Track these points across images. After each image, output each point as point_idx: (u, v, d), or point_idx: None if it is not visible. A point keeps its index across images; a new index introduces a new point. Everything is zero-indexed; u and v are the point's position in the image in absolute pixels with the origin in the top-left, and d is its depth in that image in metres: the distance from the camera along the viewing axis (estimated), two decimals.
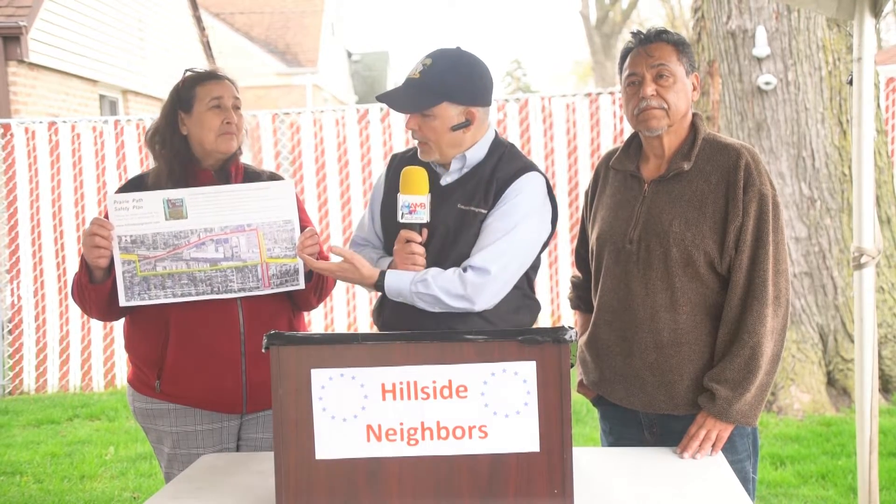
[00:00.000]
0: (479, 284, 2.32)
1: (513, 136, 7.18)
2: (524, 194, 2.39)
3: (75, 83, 11.00)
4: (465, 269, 2.34)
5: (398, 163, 2.55)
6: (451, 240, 2.39)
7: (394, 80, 34.81)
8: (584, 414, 5.53)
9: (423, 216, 2.34)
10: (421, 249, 2.37)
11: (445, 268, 2.36)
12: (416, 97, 2.36)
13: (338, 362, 1.93)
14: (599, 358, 2.50)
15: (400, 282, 2.34)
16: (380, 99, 2.41)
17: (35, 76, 10.02)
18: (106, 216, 2.58)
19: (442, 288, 2.31)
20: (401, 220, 2.35)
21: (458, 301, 2.33)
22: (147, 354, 2.65)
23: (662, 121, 2.34)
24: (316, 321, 6.99)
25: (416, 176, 2.36)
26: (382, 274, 2.36)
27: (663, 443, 2.38)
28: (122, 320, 2.72)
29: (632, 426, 2.47)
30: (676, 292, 2.32)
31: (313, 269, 2.44)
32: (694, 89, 2.39)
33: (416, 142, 2.50)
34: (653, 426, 2.43)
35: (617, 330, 2.41)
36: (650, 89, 2.33)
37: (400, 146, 7.17)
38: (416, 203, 2.33)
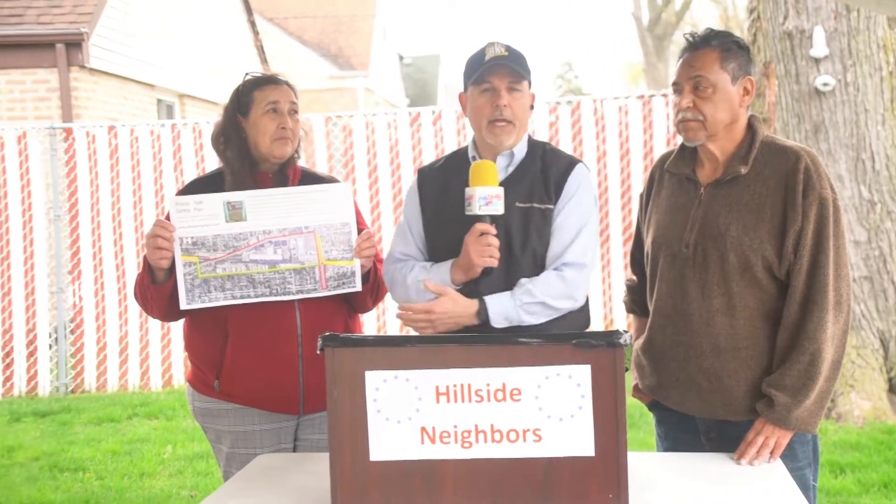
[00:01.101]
0: (578, 280, 2.38)
1: (565, 139, 7.14)
2: (584, 186, 2.48)
3: (134, 88, 11.20)
4: (560, 268, 2.39)
5: (428, 175, 2.59)
6: (521, 238, 2.41)
7: (445, 82, 34.84)
8: (638, 418, 5.47)
9: (499, 207, 2.35)
10: (497, 242, 2.36)
11: (522, 265, 2.39)
12: (515, 68, 2.41)
13: (392, 364, 1.94)
14: (655, 362, 2.47)
15: (501, 302, 2.34)
16: (490, 62, 2.40)
17: (95, 81, 10.21)
18: (167, 218, 2.62)
19: (546, 293, 2.35)
20: (478, 212, 2.33)
21: (564, 301, 2.38)
22: (206, 354, 2.68)
23: (699, 133, 2.33)
24: (368, 324, 7.01)
25: (488, 168, 2.37)
26: (482, 301, 2.35)
27: (720, 449, 2.34)
28: (182, 321, 2.75)
29: (688, 431, 2.44)
30: (734, 297, 2.28)
31: (406, 320, 2.38)
32: (746, 94, 2.34)
33: (438, 147, 2.55)
34: (710, 432, 2.40)
35: (672, 335, 2.39)
36: (686, 101, 2.32)
37: (452, 148, 7.17)
38: (492, 195, 2.33)
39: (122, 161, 7.40)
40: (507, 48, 2.46)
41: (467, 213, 2.35)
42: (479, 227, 2.34)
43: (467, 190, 2.35)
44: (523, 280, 2.38)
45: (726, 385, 2.32)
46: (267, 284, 2.59)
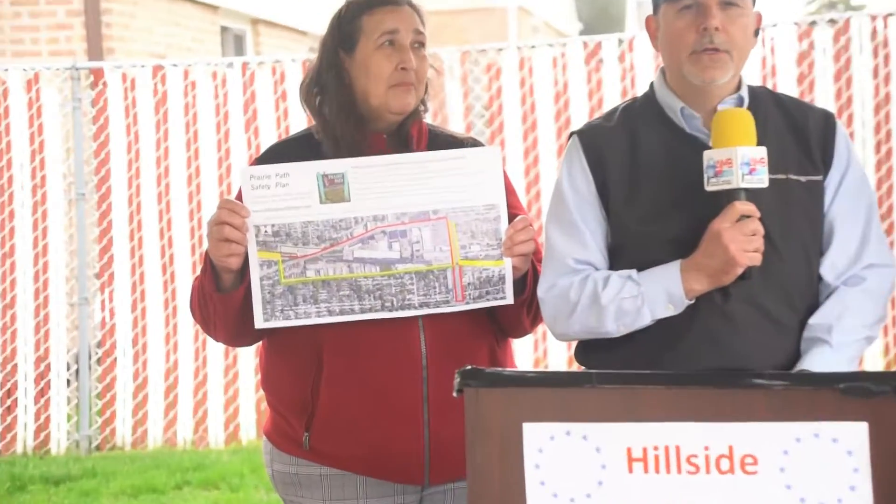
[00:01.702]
0: (886, 290, 2.49)
1: (823, 79, 7.01)
2: (851, 147, 2.53)
3: (188, 11, 11.43)
4: (859, 279, 2.46)
5: (599, 138, 2.57)
6: (781, 224, 2.42)
7: None
8: None
9: (764, 177, 2.34)
10: (762, 228, 2.36)
11: (788, 263, 2.43)
12: None
13: (562, 414, 1.94)
14: None
15: (830, 354, 2.38)
16: None
17: (135, 2, 10.46)
18: (238, 198, 2.66)
19: (864, 323, 2.44)
20: (740, 185, 2.31)
21: (879, 326, 2.53)
22: (292, 396, 2.71)
23: None
24: (521, 353, 6.99)
25: (745, 119, 2.36)
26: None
27: None
28: (254, 347, 2.83)
29: None
30: None
31: None
32: None
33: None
34: None
35: None
36: None
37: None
38: (756, 158, 2.32)
39: (172, 115, 7.55)
40: None
41: (712, 186, 2.35)
42: (740, 207, 2.33)
43: (714, 153, 2.34)
44: (824, 319, 2.42)
45: None
46: (378, 294, 2.62)
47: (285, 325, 2.65)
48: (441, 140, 2.80)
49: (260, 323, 2.65)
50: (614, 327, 2.44)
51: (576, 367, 2.59)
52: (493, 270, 2.64)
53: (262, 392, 3.08)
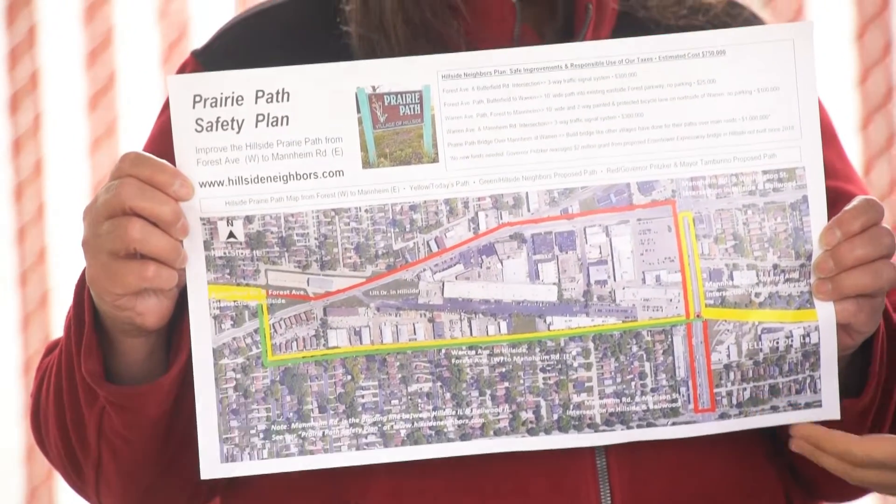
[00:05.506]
0: None
1: None
2: None
3: None
4: None
5: None
6: None
7: None
8: None
9: None
10: None
11: None
12: None
13: None
14: None
15: None
16: None
17: None
18: (160, 153, 1.80)
19: None
20: None
21: None
22: None
23: None
24: None
25: None
26: None
27: None
28: None
29: None
30: None
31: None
32: None
33: None
34: None
35: None
36: None
37: None
38: None
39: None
40: None
41: None
42: None
43: None
44: None
45: None
46: (502, 392, 1.87)
47: (274, 471, 1.85)
48: (653, 13, 2.04)
49: (214, 467, 1.86)
50: None
51: None
52: (788, 332, 1.88)
53: None
